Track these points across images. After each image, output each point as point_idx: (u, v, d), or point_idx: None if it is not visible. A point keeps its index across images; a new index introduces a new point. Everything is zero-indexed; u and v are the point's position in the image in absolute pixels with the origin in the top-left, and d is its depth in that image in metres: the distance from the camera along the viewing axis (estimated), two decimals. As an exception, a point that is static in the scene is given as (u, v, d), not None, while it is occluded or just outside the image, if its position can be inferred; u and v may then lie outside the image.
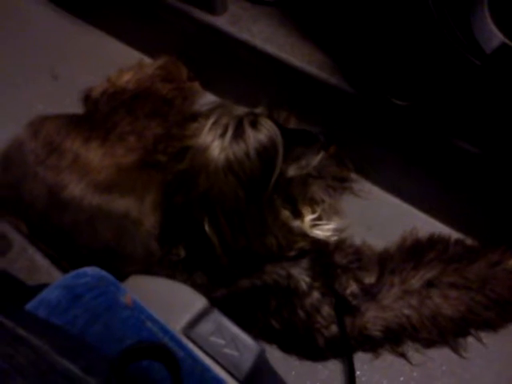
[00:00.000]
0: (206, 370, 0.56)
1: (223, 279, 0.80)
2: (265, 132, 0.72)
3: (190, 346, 0.63)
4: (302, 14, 1.02)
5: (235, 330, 0.71)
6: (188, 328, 0.67)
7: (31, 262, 0.82)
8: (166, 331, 0.55)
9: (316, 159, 0.83)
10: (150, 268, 0.81)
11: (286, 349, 0.91)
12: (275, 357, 0.90)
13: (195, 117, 0.77)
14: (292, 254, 0.81)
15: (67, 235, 0.89)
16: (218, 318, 0.71)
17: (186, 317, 0.68)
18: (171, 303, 0.72)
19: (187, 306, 0.71)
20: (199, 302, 0.72)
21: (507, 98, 0.72)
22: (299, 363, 0.90)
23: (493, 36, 0.64)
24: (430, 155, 0.91)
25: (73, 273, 0.56)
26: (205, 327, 0.69)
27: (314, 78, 0.95)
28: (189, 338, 0.65)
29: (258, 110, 0.78)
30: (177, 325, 0.66)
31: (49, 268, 0.80)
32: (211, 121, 0.73)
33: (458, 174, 0.90)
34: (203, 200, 0.74)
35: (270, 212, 0.77)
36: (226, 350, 0.67)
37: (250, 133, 0.71)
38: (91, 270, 0.57)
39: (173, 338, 0.55)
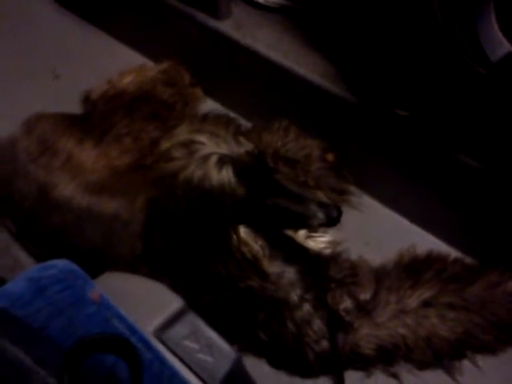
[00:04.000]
0: (174, 374, 0.53)
1: (210, 286, 0.77)
2: (222, 180, 0.67)
3: (161, 348, 0.60)
4: (307, 21, 1.00)
5: (211, 334, 0.67)
6: (160, 330, 0.63)
7: (14, 261, 0.80)
8: (133, 331, 0.53)
9: None
10: (137, 269, 0.78)
11: (275, 364, 0.88)
12: (264, 372, 0.87)
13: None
14: (242, 286, 0.78)
15: (55, 235, 0.87)
16: (194, 321, 0.67)
17: (160, 318, 0.64)
18: (145, 302, 0.68)
19: (162, 306, 0.67)
20: (175, 302, 0.68)
21: (512, 108, 0.70)
22: (288, 379, 0.87)
23: (500, 45, 0.63)
24: (431, 169, 0.89)
25: (41, 265, 0.53)
26: (179, 330, 0.65)
27: (316, 86, 0.93)
28: (160, 340, 0.62)
29: (245, 157, 0.69)
30: (149, 326, 0.62)
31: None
32: (195, 136, 0.69)
33: (459, 190, 0.88)
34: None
35: (224, 239, 0.74)
36: (200, 356, 0.63)
37: (209, 171, 0.67)
38: (60, 263, 0.54)
39: (141, 338, 0.52)
